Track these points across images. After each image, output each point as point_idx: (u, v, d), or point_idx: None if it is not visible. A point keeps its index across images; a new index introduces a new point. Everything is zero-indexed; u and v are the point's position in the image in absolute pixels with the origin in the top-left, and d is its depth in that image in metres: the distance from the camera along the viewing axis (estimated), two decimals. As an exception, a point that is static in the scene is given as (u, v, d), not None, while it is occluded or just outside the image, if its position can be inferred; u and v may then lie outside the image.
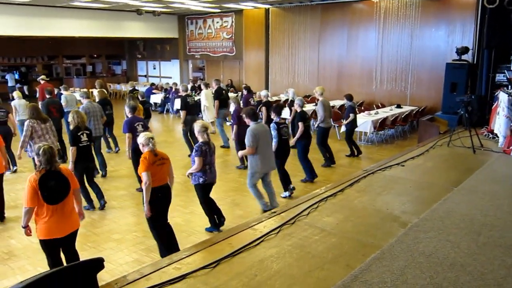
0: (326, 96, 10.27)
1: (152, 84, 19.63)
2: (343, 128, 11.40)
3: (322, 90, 9.77)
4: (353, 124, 10.11)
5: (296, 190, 7.63)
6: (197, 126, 5.87)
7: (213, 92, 11.99)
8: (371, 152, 10.92)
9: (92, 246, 5.73)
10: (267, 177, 6.71)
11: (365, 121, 11.27)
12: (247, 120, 6.61)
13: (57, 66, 24.33)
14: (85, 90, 9.81)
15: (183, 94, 10.58)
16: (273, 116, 7.45)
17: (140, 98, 11.13)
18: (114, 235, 6.08)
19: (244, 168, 8.96)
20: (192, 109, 10.27)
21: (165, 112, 17.19)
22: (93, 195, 7.06)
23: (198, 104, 10.84)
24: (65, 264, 4.49)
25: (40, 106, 9.08)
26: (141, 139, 5.16)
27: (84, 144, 6.87)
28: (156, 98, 17.67)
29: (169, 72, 22.95)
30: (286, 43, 17.41)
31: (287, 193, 7.54)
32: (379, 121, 11.47)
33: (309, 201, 5.30)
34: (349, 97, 10.18)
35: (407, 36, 14.20)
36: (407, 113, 12.70)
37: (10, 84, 20.01)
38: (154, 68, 24.15)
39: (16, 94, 10.51)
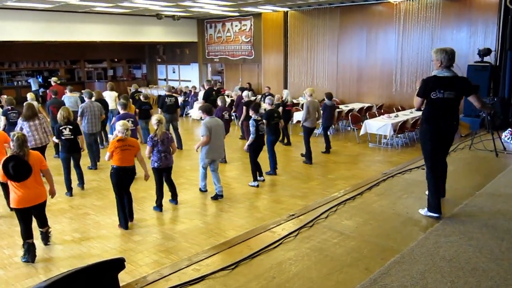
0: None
1: (172, 87, 19.80)
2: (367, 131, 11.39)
3: (311, 91, 10.14)
4: (328, 122, 10.88)
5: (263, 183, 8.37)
6: (153, 119, 6.85)
7: (203, 93, 12.40)
8: (390, 155, 10.82)
9: (113, 247, 5.82)
10: (214, 164, 7.55)
11: (384, 124, 11.16)
12: (203, 115, 7.46)
13: (79, 70, 24.78)
14: (88, 90, 10.40)
15: (165, 94, 11.51)
16: (251, 113, 8.17)
17: (143, 99, 11.68)
18: (134, 236, 6.16)
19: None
20: (169, 108, 11.21)
21: (184, 115, 17.23)
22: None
23: (177, 104, 11.59)
24: (36, 229, 5.60)
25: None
26: (118, 126, 6.13)
27: (66, 137, 7.71)
28: (176, 101, 17.79)
29: (188, 75, 23.14)
30: (305, 46, 17.38)
31: (255, 183, 8.24)
32: (399, 124, 11.33)
33: (328, 204, 5.29)
34: (329, 96, 10.92)
35: (427, 38, 14.03)
36: (427, 116, 12.50)
37: (33, 88, 20.39)
38: (174, 72, 24.39)
39: (29, 96, 10.76)
